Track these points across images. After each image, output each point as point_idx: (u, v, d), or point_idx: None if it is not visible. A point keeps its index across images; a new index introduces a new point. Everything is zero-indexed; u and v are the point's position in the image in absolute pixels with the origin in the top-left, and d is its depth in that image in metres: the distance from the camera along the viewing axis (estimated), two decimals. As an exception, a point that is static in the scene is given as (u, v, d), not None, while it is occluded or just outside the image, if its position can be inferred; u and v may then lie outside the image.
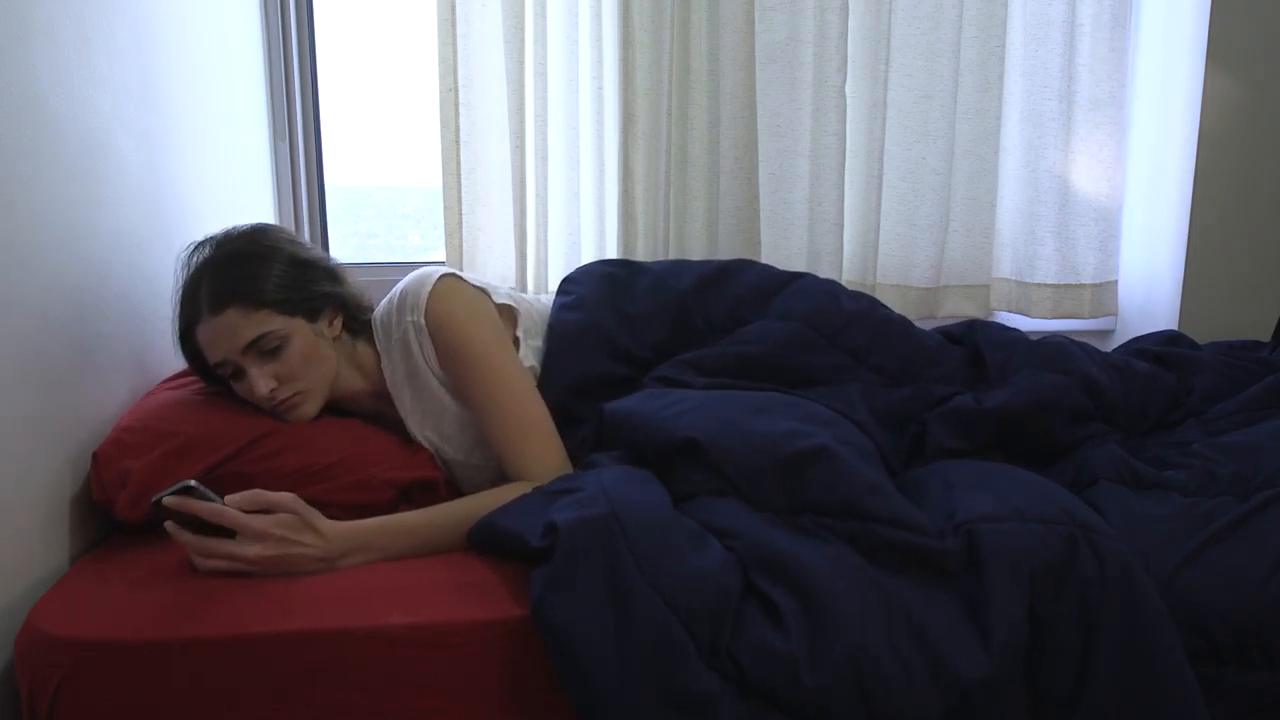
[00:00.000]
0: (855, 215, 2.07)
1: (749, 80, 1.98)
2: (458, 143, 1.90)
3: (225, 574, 1.10)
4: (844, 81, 1.99)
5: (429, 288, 1.32)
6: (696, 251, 2.04)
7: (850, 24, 1.98)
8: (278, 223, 2.09)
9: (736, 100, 1.98)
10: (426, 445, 1.38)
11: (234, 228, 1.34)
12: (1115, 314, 2.14)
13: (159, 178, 1.52)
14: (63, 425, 1.23)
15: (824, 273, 2.03)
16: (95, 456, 1.22)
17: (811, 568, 1.00)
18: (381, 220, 2.97)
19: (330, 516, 1.17)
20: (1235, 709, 1.04)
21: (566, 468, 1.30)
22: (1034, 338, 1.57)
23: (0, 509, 1.10)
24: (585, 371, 1.40)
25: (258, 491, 1.11)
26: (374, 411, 1.40)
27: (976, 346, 1.53)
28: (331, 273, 1.36)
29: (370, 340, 1.39)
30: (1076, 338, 1.60)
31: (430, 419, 1.37)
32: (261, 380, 1.25)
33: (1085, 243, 2.07)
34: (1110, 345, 1.97)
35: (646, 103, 1.95)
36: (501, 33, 1.89)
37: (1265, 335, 1.92)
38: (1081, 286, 2.09)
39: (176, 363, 1.50)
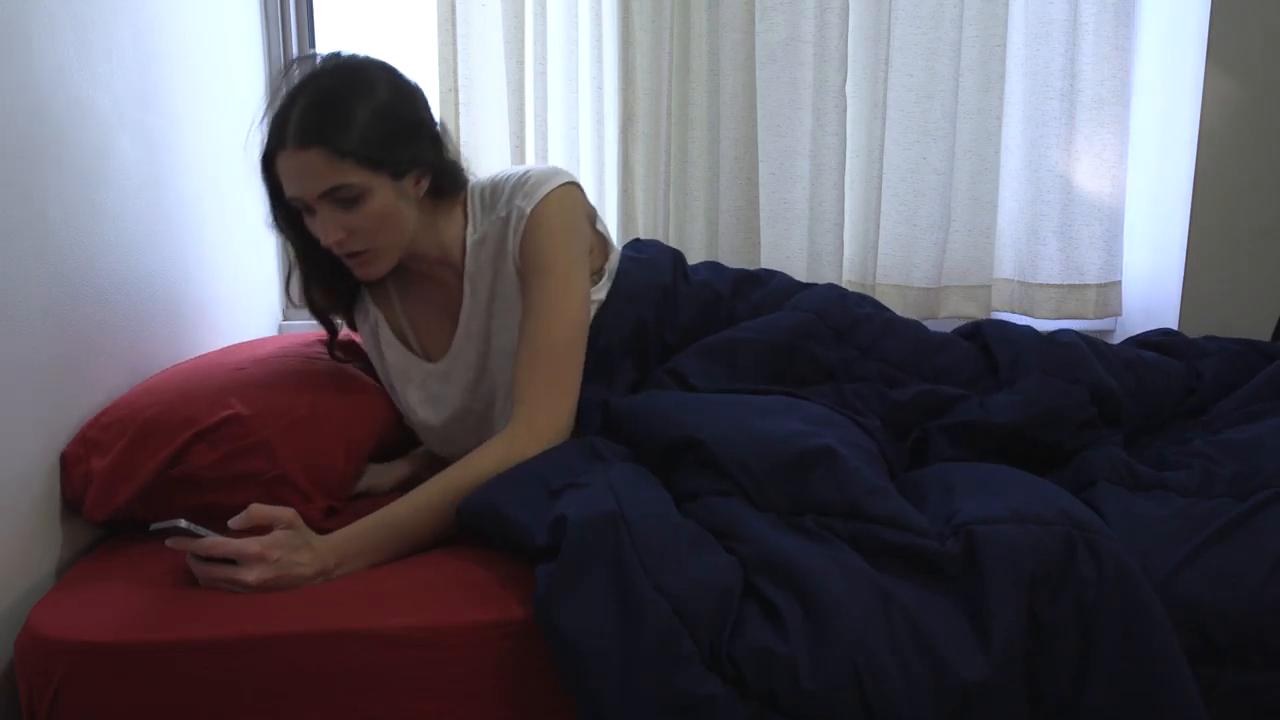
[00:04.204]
0: (855, 215, 2.07)
1: (749, 80, 1.97)
2: (458, 142, 1.90)
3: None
4: (844, 81, 1.99)
5: (553, 186, 1.28)
6: (696, 251, 2.04)
7: (850, 23, 1.98)
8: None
9: (736, 100, 1.98)
10: (448, 356, 1.36)
11: (350, 55, 1.25)
12: (1119, 314, 2.14)
13: (159, 178, 1.52)
14: (61, 426, 1.24)
15: (824, 273, 2.03)
16: (64, 457, 1.22)
17: (812, 570, 1.00)
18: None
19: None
20: (1235, 710, 1.03)
21: (563, 434, 1.25)
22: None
23: (0, 510, 1.10)
24: (643, 323, 1.39)
25: (255, 507, 1.09)
26: (429, 278, 1.36)
27: (985, 342, 1.51)
28: (432, 136, 1.28)
29: (458, 207, 1.34)
30: (1078, 337, 1.60)
31: (496, 317, 1.33)
32: (331, 228, 1.20)
33: (1089, 242, 2.07)
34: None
35: (646, 103, 1.95)
36: (501, 33, 1.89)
37: (1265, 335, 1.92)
38: (1086, 286, 2.08)
39: (172, 362, 1.50)
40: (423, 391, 1.40)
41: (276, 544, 1.08)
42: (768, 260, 2.01)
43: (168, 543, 1.09)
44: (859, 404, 1.36)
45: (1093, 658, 0.97)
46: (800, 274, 2.00)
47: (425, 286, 1.38)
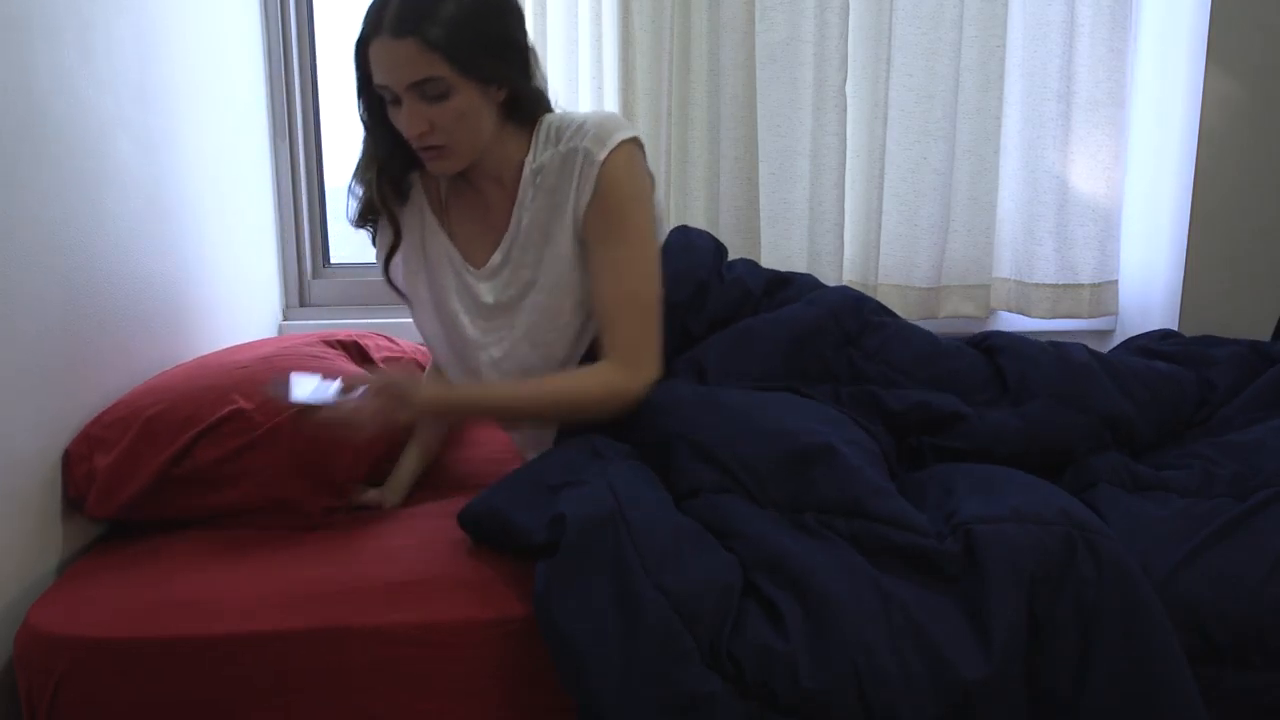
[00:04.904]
0: (856, 215, 2.07)
1: (749, 80, 1.97)
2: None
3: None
4: (844, 81, 1.99)
5: (625, 136, 1.28)
6: (696, 251, 2.04)
7: (850, 23, 1.98)
8: (278, 221, 2.09)
9: (736, 100, 1.98)
10: (472, 275, 1.36)
11: None
12: (1115, 314, 2.14)
13: (159, 178, 1.52)
14: (62, 425, 1.24)
15: (824, 272, 2.03)
16: (67, 454, 1.22)
17: (813, 569, 1.00)
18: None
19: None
20: (1235, 710, 1.04)
21: (655, 381, 1.29)
22: (1053, 341, 1.53)
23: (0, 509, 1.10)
24: (676, 310, 1.39)
25: (365, 376, 1.18)
26: (477, 190, 1.37)
27: (995, 357, 1.48)
28: (520, 56, 1.28)
29: (527, 134, 1.33)
30: (1076, 337, 1.59)
31: (528, 250, 1.33)
32: (416, 120, 1.22)
33: (1084, 243, 2.07)
34: (1109, 344, 1.96)
35: (646, 103, 1.95)
36: (501, 33, 1.88)
37: (1265, 335, 1.92)
38: (1080, 286, 2.08)
39: (173, 362, 1.50)
40: (455, 283, 1.40)
41: (380, 411, 1.15)
42: (767, 260, 2.01)
43: (287, 406, 1.17)
44: (853, 410, 1.35)
45: (1093, 658, 0.97)
46: (800, 274, 2.00)
47: (470, 197, 1.38)
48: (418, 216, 1.40)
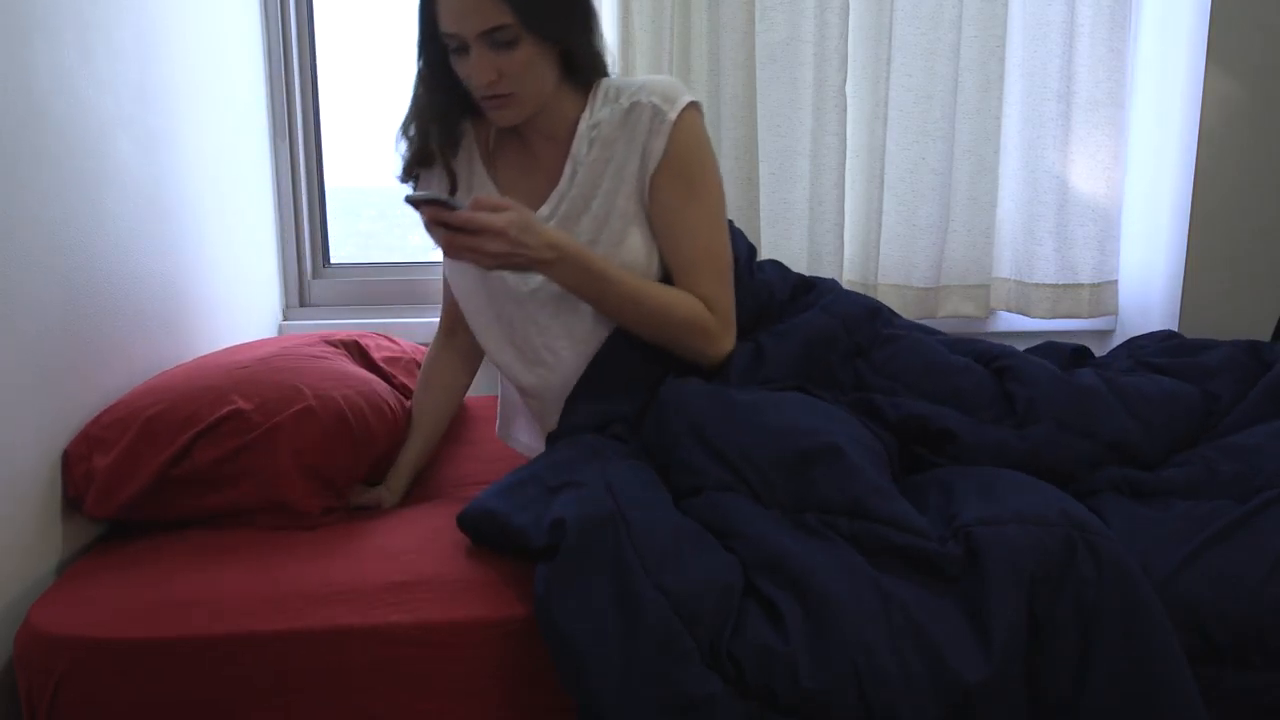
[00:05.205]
0: (856, 215, 2.07)
1: (749, 80, 1.98)
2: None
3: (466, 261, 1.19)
4: (844, 81, 1.99)
5: (690, 98, 1.30)
6: (696, 251, 2.04)
7: (850, 23, 1.98)
8: (278, 221, 2.09)
9: (736, 100, 1.98)
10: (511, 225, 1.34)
11: None
12: (1115, 314, 2.14)
13: (159, 178, 1.52)
14: (63, 425, 1.24)
15: (824, 273, 2.03)
16: (66, 454, 1.22)
17: (813, 569, 1.00)
18: (381, 220, 2.97)
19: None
20: (1235, 710, 1.04)
21: (733, 342, 1.34)
22: (1051, 342, 1.52)
23: None
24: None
25: (484, 197, 1.17)
26: (527, 144, 1.37)
27: (1004, 379, 1.46)
28: (584, 18, 1.31)
29: (584, 95, 1.34)
30: (1076, 337, 1.59)
31: (577, 203, 1.33)
32: (485, 68, 1.23)
33: (1084, 243, 2.07)
34: (1110, 344, 1.97)
35: (646, 103, 1.95)
36: (501, 33, 1.88)
37: (1265, 335, 1.92)
38: (1080, 286, 2.08)
39: (173, 362, 1.50)
40: None
41: (513, 223, 1.15)
42: (767, 260, 2.01)
43: (420, 210, 1.15)
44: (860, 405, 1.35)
45: (1093, 658, 0.97)
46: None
47: (519, 150, 1.39)
48: (466, 167, 1.40)
